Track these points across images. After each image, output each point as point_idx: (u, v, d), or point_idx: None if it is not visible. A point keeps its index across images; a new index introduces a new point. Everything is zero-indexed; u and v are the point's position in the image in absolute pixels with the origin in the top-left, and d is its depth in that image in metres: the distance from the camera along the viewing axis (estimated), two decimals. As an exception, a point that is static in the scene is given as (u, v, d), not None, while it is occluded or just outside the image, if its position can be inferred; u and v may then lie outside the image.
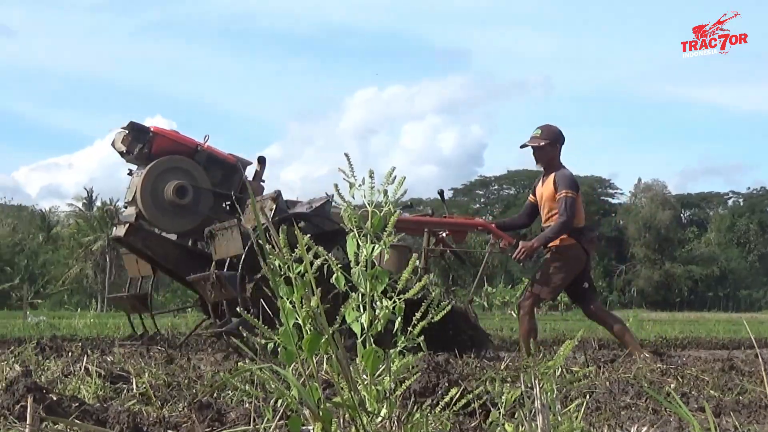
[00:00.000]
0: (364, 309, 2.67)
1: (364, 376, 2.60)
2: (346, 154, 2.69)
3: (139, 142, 10.73)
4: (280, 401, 2.61)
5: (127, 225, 10.75)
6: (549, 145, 10.64)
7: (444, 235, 11.32)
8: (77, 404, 4.48)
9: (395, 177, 2.62)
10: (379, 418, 2.60)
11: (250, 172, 11.52)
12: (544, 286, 10.46)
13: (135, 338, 11.37)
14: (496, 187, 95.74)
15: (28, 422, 2.71)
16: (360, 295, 2.68)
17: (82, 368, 5.95)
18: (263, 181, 11.55)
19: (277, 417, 2.73)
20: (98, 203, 79.41)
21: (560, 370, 5.10)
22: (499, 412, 2.93)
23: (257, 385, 4.61)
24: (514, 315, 34.91)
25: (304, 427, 2.51)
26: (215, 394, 5.58)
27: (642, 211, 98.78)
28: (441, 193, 11.58)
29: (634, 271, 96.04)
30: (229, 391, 5.68)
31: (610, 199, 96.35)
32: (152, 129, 10.83)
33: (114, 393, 5.52)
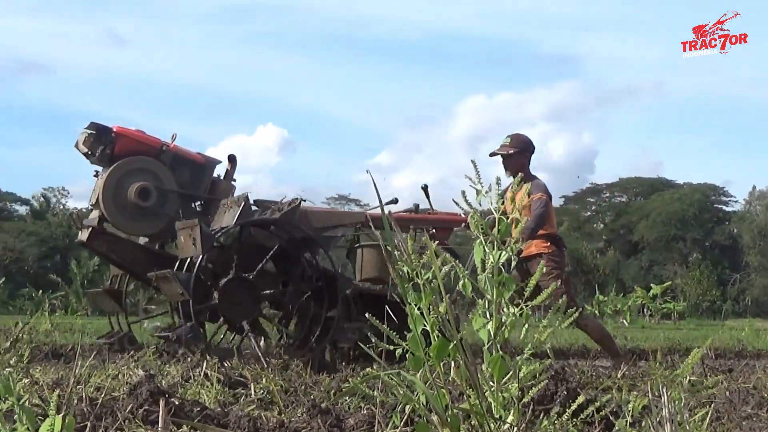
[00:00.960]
0: (491, 316, 2.65)
1: (491, 383, 2.59)
2: (473, 161, 2.69)
3: (102, 143, 10.35)
4: (406, 407, 2.61)
5: (90, 229, 10.39)
6: (518, 154, 10.60)
7: (433, 231, 11.10)
8: (199, 408, 4.54)
9: (521, 184, 2.60)
10: (506, 425, 2.59)
11: (221, 172, 11.15)
12: (566, 294, 10.43)
13: (111, 336, 11.10)
14: (607, 194, 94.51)
15: (160, 426, 2.74)
16: (486, 301, 2.67)
17: (202, 373, 6.04)
18: (234, 180, 11.18)
19: (401, 423, 2.73)
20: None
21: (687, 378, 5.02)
22: (626, 421, 2.89)
23: (384, 392, 4.62)
24: (626, 323, 34.51)
25: (431, 433, 2.51)
26: (332, 400, 5.62)
27: (757, 219, 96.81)
28: (425, 188, 11.23)
29: (749, 280, 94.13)
30: (347, 397, 5.72)
31: (723, 207, 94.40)
32: (115, 129, 10.45)
33: (233, 398, 5.59)
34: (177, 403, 4.37)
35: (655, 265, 74.05)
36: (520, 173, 10.74)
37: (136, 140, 10.51)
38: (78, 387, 5.68)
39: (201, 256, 9.22)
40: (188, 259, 9.47)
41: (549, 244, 10.28)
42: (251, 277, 9.60)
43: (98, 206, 10.31)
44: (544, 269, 10.18)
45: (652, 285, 41.76)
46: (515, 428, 2.58)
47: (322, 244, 10.30)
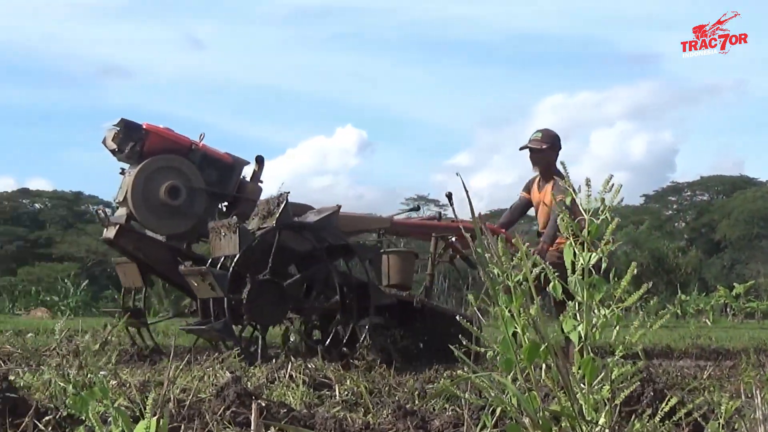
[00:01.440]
0: (582, 318, 2.64)
1: (582, 385, 2.58)
2: (563, 163, 2.67)
3: (131, 140, 10.19)
4: (496, 409, 2.61)
5: (118, 226, 10.25)
6: (549, 149, 10.47)
7: (453, 240, 11.02)
8: (285, 410, 4.58)
9: (612, 185, 2.59)
10: (597, 427, 2.57)
11: (248, 173, 10.99)
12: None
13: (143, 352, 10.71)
14: (688, 193, 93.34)
15: (252, 428, 2.77)
16: (576, 303, 2.65)
17: (287, 375, 6.08)
18: (261, 182, 10.98)
19: (490, 425, 2.73)
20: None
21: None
22: (718, 423, 2.86)
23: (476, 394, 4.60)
24: (709, 323, 34.04)
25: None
26: (419, 402, 5.62)
27: None
28: (449, 195, 11.04)
29: None
30: (431, 399, 5.72)
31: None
32: (144, 126, 10.32)
33: (318, 399, 5.62)
34: (264, 404, 4.41)
35: (737, 263, 72.92)
36: (551, 169, 10.31)
37: (165, 138, 10.43)
38: (159, 389, 5.75)
39: (238, 255, 9.18)
40: (221, 259, 9.50)
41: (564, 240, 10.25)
42: (281, 281, 9.59)
43: (126, 204, 10.24)
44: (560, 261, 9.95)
45: (734, 284, 41.11)
46: (606, 430, 2.57)
47: (358, 253, 10.21)
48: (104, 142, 10.40)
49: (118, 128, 10.19)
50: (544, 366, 2.61)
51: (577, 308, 2.66)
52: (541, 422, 2.43)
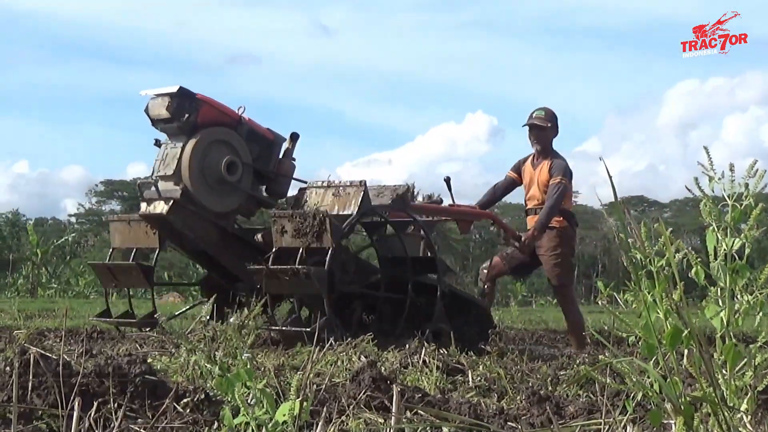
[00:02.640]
0: (724, 304, 2.60)
1: (724, 371, 2.55)
2: (705, 147, 2.63)
3: (186, 110, 9.57)
4: (635, 395, 2.59)
5: (172, 202, 9.55)
6: (551, 128, 10.68)
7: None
8: (420, 395, 4.61)
9: (756, 170, 2.54)
10: (739, 414, 2.54)
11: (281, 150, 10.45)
12: (563, 274, 10.41)
13: (126, 316, 10.37)
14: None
15: (394, 411, 2.80)
16: (719, 289, 2.62)
17: (420, 360, 6.11)
18: (294, 159, 10.47)
19: (630, 410, 2.71)
20: (419, 198, 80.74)
21: None
22: None
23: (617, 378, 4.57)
24: None
25: (664, 421, 2.49)
26: (550, 388, 5.61)
27: None
28: (447, 180, 10.62)
29: None
30: (564, 384, 5.70)
31: None
32: (198, 96, 9.75)
33: (452, 385, 5.64)
34: (399, 389, 4.44)
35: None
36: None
37: (218, 110, 9.95)
38: (299, 372, 5.84)
39: (332, 249, 8.82)
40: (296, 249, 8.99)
41: (561, 219, 10.28)
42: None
43: (178, 178, 9.59)
44: (550, 257, 9.86)
45: None
46: (749, 416, 2.53)
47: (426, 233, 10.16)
48: (149, 110, 9.74)
49: (171, 96, 9.61)
50: (685, 352, 2.59)
51: (719, 294, 2.62)
52: (683, 408, 2.41)
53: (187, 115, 9.54)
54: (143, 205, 9.81)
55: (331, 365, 6.16)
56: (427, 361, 6.02)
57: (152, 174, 9.83)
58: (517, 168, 11.02)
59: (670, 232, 2.59)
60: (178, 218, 9.67)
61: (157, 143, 9.89)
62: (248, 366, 2.44)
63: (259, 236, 10.19)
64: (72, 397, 3.96)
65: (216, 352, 2.93)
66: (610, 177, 2.55)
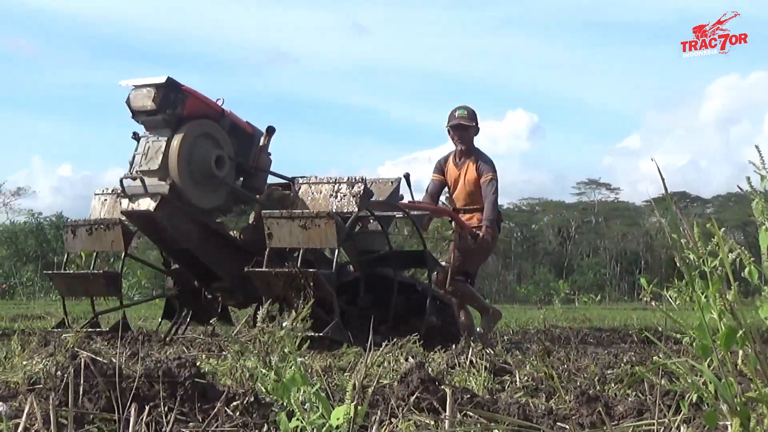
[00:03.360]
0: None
1: (779, 372, 2.53)
2: (757, 146, 2.62)
3: (172, 102, 9.15)
4: (690, 395, 2.57)
5: (159, 198, 9.16)
6: (475, 127, 10.91)
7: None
8: (468, 396, 4.60)
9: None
10: (797, 415, 2.52)
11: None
12: (471, 262, 10.73)
13: (90, 325, 10.03)
14: None
15: (447, 413, 2.80)
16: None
17: (467, 360, 6.10)
18: (269, 154, 10.13)
19: (685, 410, 2.70)
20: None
21: None
22: None
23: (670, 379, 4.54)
24: None
25: (719, 423, 2.48)
26: (598, 387, 5.58)
27: None
28: (407, 177, 10.44)
29: None
30: (612, 384, 5.68)
31: None
32: (183, 88, 9.33)
33: (499, 385, 5.63)
34: (450, 390, 4.44)
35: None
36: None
37: (203, 102, 9.56)
38: (345, 374, 5.85)
39: (337, 250, 8.95)
40: (284, 249, 9.07)
41: None
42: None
43: (164, 173, 9.15)
44: (469, 247, 9.77)
45: None
46: (807, 418, 2.51)
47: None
48: (131, 101, 9.26)
49: (158, 87, 9.17)
50: (740, 352, 2.57)
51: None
52: (738, 409, 2.40)
53: (172, 108, 9.19)
54: (125, 202, 9.42)
55: (378, 366, 6.16)
56: (474, 361, 6.02)
57: (131, 169, 9.38)
58: (440, 169, 11.16)
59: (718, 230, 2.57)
60: (164, 215, 9.36)
61: (136, 136, 9.47)
62: (302, 370, 2.46)
63: (236, 233, 10.13)
64: (126, 402, 4.00)
65: (271, 356, 2.93)
66: (662, 177, 2.54)
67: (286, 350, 2.61)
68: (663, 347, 2.59)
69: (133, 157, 9.35)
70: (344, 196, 9.14)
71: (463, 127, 10.86)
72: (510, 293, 66.59)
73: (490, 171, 10.64)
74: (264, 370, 2.65)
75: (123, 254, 10.43)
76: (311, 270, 8.66)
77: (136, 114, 9.27)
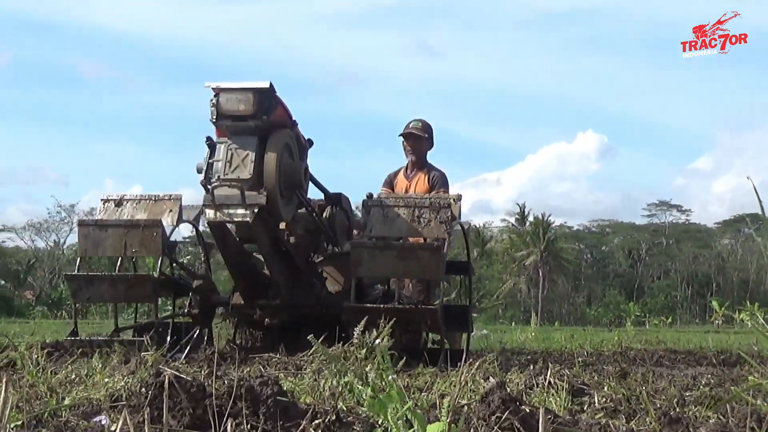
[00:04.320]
0: None
1: None
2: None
3: (267, 109, 8.77)
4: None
5: (257, 209, 8.77)
6: (428, 139, 10.97)
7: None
8: (550, 417, 4.59)
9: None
10: None
11: None
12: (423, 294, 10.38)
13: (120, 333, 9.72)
14: None
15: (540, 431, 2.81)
16: None
17: (546, 381, 6.08)
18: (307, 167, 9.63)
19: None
20: (530, 218, 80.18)
21: None
22: None
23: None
24: None
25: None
26: (678, 409, 5.54)
27: None
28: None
29: None
30: (692, 406, 5.63)
31: None
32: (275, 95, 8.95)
33: (578, 406, 5.61)
34: (528, 410, 4.44)
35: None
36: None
37: (285, 111, 9.24)
38: (423, 394, 5.86)
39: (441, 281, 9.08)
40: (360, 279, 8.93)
41: None
42: None
43: (251, 183, 8.76)
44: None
45: None
46: None
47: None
48: (221, 104, 8.78)
49: (258, 92, 8.79)
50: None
51: None
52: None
53: (267, 114, 8.78)
54: (209, 212, 8.86)
55: (454, 386, 6.16)
56: (552, 381, 5.99)
57: (210, 175, 8.86)
58: (389, 183, 11.17)
59: None
60: (251, 230, 9.11)
61: (210, 141, 8.95)
62: (398, 386, 2.48)
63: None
64: (209, 419, 4.05)
65: (369, 372, 2.96)
66: (758, 194, 2.52)
67: (381, 367, 2.63)
68: (757, 367, 2.58)
69: (209, 164, 8.91)
70: (428, 222, 8.72)
71: (415, 137, 10.87)
72: (580, 315, 66.25)
73: (444, 185, 10.72)
74: (360, 386, 2.66)
75: (160, 258, 9.61)
76: (432, 307, 8.60)
77: (224, 117, 8.79)
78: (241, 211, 8.76)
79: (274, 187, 8.78)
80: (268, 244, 9.58)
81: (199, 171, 8.93)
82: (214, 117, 8.78)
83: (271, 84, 8.78)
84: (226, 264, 10.15)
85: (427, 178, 10.80)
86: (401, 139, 11.08)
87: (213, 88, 8.81)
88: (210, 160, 8.87)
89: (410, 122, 11.04)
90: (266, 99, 8.75)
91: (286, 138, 9.06)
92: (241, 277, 10.08)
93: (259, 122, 8.73)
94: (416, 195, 9.69)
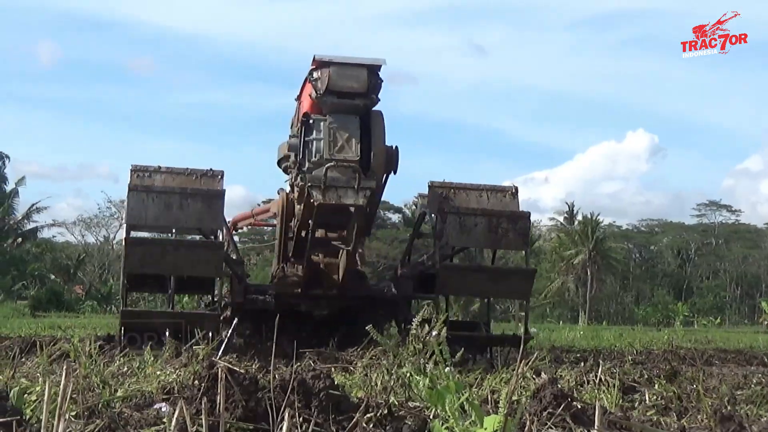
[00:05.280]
0: None
1: None
2: None
3: (376, 88, 8.37)
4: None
5: (369, 193, 8.38)
6: None
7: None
8: (603, 413, 4.60)
9: None
10: None
11: None
12: None
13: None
14: None
15: (596, 425, 2.82)
16: None
17: (597, 378, 6.08)
18: None
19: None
20: (579, 217, 79.58)
21: None
22: None
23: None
24: None
25: None
26: (728, 407, 5.52)
27: None
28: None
29: None
30: (745, 405, 5.61)
31: None
32: None
33: (629, 403, 5.60)
34: (579, 406, 4.45)
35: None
36: None
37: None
38: (473, 389, 5.88)
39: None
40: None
41: None
42: None
43: (362, 165, 8.34)
44: None
45: None
46: None
47: None
48: (334, 78, 8.21)
49: (371, 70, 8.36)
50: None
51: None
52: None
53: (376, 93, 8.39)
54: (316, 194, 8.24)
55: (504, 382, 6.18)
56: (603, 378, 6.00)
57: (309, 156, 8.37)
58: None
59: None
60: (361, 212, 8.68)
61: (308, 119, 8.40)
62: (454, 379, 2.50)
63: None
64: (263, 411, 4.09)
65: (426, 364, 2.98)
66: None
67: (439, 359, 2.65)
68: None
69: (305, 142, 8.37)
70: (506, 233, 8.61)
71: None
72: (628, 315, 65.82)
73: None
74: (418, 377, 2.68)
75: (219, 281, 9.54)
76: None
77: (330, 93, 8.23)
78: (351, 194, 8.25)
79: (381, 170, 8.50)
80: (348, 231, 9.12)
81: (290, 150, 8.69)
82: (321, 92, 8.24)
83: (384, 61, 8.37)
84: (296, 251, 9.70)
85: None
86: None
87: (318, 61, 8.28)
88: (307, 138, 8.37)
89: None
90: (376, 77, 8.35)
91: (382, 119, 8.57)
92: (309, 266, 9.63)
93: (368, 101, 8.34)
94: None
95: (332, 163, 8.16)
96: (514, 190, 8.88)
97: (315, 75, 8.21)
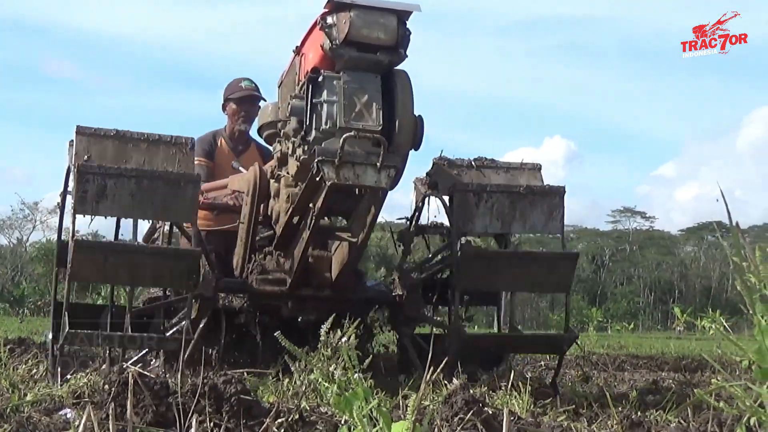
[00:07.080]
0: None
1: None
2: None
3: (406, 41, 6.47)
4: (749, 420, 2.59)
5: (394, 172, 6.49)
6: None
7: None
8: (513, 418, 4.62)
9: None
10: None
11: None
12: None
13: None
14: None
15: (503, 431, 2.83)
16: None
17: (509, 383, 6.09)
18: None
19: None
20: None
21: None
22: None
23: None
24: None
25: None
26: (639, 413, 5.58)
27: None
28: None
29: None
30: (653, 410, 5.67)
31: None
32: None
33: (541, 408, 5.63)
34: (490, 412, 4.46)
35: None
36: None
37: None
38: (385, 394, 5.86)
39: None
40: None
41: None
42: None
43: (383, 135, 6.39)
44: None
45: None
46: None
47: None
48: (357, 26, 6.23)
49: (401, 17, 6.38)
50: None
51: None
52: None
53: (405, 48, 6.55)
54: (328, 171, 6.39)
55: (417, 388, 6.17)
56: (515, 384, 6.01)
57: (318, 123, 6.44)
58: (208, 153, 8.68)
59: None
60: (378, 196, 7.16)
61: (317, 74, 6.54)
62: (364, 384, 2.49)
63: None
64: (173, 416, 4.05)
65: (335, 370, 2.96)
66: (725, 201, 2.54)
67: (348, 365, 2.63)
68: (720, 370, 2.61)
69: (312, 104, 6.53)
70: (538, 213, 7.46)
71: (253, 100, 8.55)
72: (543, 320, 66.40)
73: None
74: (326, 384, 2.67)
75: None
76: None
77: (350, 44, 6.42)
78: (372, 173, 6.51)
79: (407, 145, 6.65)
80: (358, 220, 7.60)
81: (291, 114, 6.66)
82: (338, 41, 6.38)
83: (419, 7, 6.57)
84: (282, 241, 7.92)
85: (261, 158, 8.30)
86: (230, 103, 8.68)
87: (334, 3, 6.26)
88: (315, 100, 6.55)
89: (241, 81, 8.63)
90: (404, 27, 6.50)
91: (410, 81, 6.76)
92: (302, 259, 7.68)
93: (394, 57, 6.52)
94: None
95: (352, 133, 6.31)
96: (538, 167, 7.68)
97: (329, 20, 6.35)
